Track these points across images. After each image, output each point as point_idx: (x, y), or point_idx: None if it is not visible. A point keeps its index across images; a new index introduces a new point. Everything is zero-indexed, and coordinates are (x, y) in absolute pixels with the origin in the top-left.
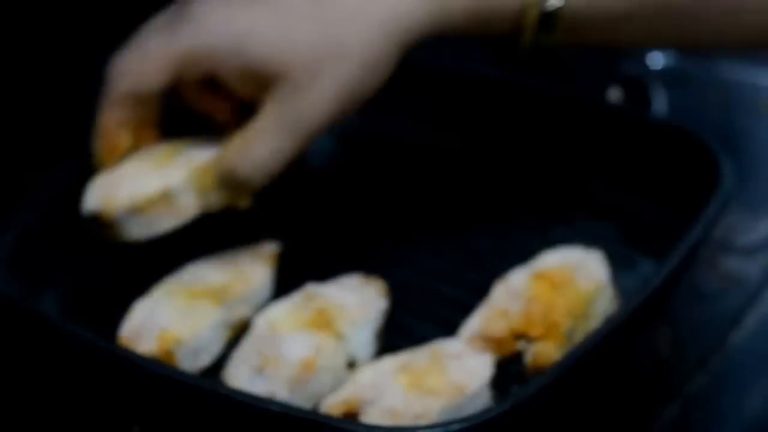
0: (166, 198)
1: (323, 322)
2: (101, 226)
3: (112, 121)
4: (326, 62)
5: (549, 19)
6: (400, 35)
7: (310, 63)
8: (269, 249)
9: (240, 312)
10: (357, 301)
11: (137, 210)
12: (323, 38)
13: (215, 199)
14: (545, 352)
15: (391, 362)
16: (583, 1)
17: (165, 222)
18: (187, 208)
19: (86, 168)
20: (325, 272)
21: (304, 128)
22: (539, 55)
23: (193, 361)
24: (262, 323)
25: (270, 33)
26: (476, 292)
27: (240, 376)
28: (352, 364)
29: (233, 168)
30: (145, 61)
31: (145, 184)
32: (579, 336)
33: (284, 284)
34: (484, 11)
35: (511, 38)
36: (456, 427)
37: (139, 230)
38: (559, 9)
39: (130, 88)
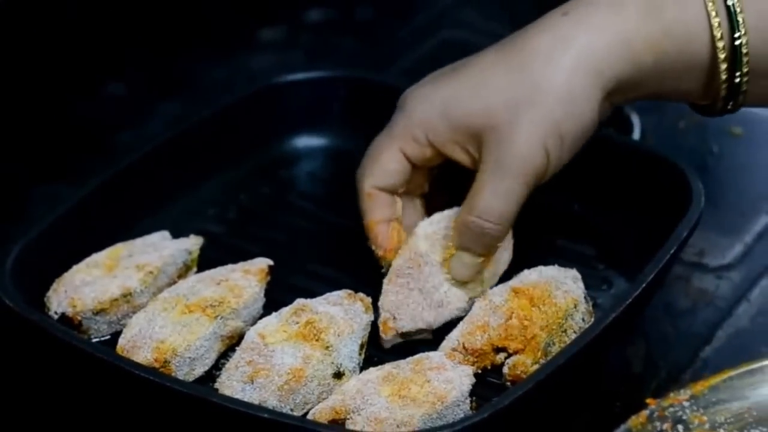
0: (126, 298)
1: (311, 334)
2: (70, 324)
3: (376, 220)
4: (522, 107)
5: (734, 57)
6: (594, 75)
7: (506, 111)
8: (261, 265)
9: (233, 324)
10: (343, 315)
11: (102, 311)
12: (516, 85)
13: (459, 267)
14: (523, 364)
15: (376, 373)
16: (762, 37)
17: (126, 318)
18: (144, 304)
19: (86, 186)
20: (313, 288)
21: (518, 170)
22: None
23: (188, 371)
24: (253, 335)
25: (466, 94)
26: None
27: (232, 385)
28: (338, 374)
29: (469, 220)
30: (376, 155)
31: (105, 287)
32: (555, 349)
33: (275, 299)
34: (673, 53)
35: (706, 84)
36: None
37: (105, 327)
38: (742, 44)
39: (372, 183)
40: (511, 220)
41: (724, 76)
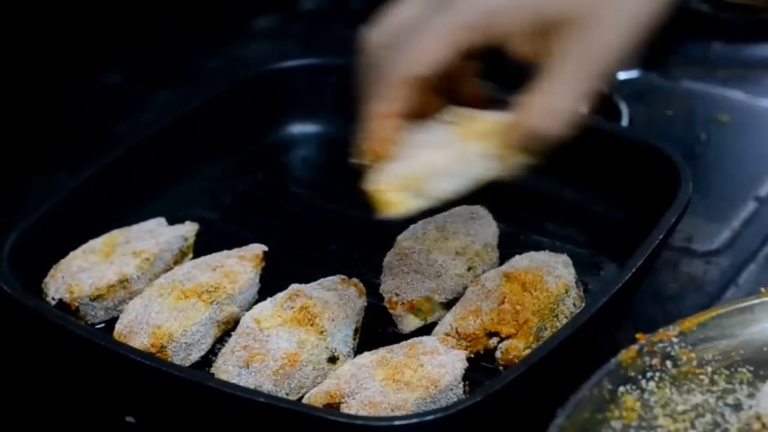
0: (122, 284)
1: (306, 319)
2: (67, 310)
3: (387, 112)
4: None
5: None
6: None
7: (591, 1)
8: (256, 251)
9: (228, 310)
10: (337, 300)
11: (99, 297)
12: None
13: (510, 163)
14: (515, 348)
15: (370, 357)
16: None
17: (123, 304)
18: (140, 290)
19: (83, 173)
20: (307, 273)
21: (599, 65)
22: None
23: (184, 356)
24: (248, 320)
25: None
26: None
27: (228, 370)
28: (333, 359)
29: (535, 125)
30: (424, 41)
31: (102, 273)
32: (547, 333)
33: (270, 285)
34: None
35: None
36: (430, 417)
37: (102, 313)
38: None
39: (411, 70)
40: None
41: None
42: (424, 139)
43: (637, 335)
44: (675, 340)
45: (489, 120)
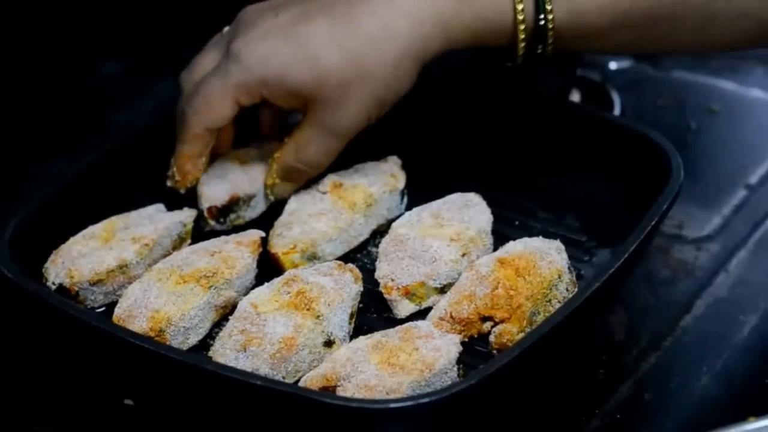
0: (122, 269)
1: (303, 303)
2: (67, 295)
3: (189, 154)
4: (352, 85)
5: (539, 34)
6: (417, 56)
7: (339, 87)
8: (253, 237)
9: (226, 294)
10: (333, 285)
11: (98, 282)
12: (348, 65)
13: (281, 190)
14: (509, 332)
15: (366, 341)
16: (569, 18)
17: (122, 289)
18: (139, 275)
19: (83, 160)
20: None
21: (341, 133)
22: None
23: (182, 339)
24: (246, 305)
25: (302, 66)
26: None
27: (226, 353)
28: (329, 343)
29: (292, 164)
30: (211, 101)
31: (102, 259)
32: (540, 318)
33: (267, 270)
34: (483, 32)
35: (508, 50)
36: (425, 400)
37: (102, 298)
38: (548, 25)
39: (203, 125)
40: (327, 166)
41: (522, 51)
42: (313, 209)
43: None
44: None
45: (360, 189)
